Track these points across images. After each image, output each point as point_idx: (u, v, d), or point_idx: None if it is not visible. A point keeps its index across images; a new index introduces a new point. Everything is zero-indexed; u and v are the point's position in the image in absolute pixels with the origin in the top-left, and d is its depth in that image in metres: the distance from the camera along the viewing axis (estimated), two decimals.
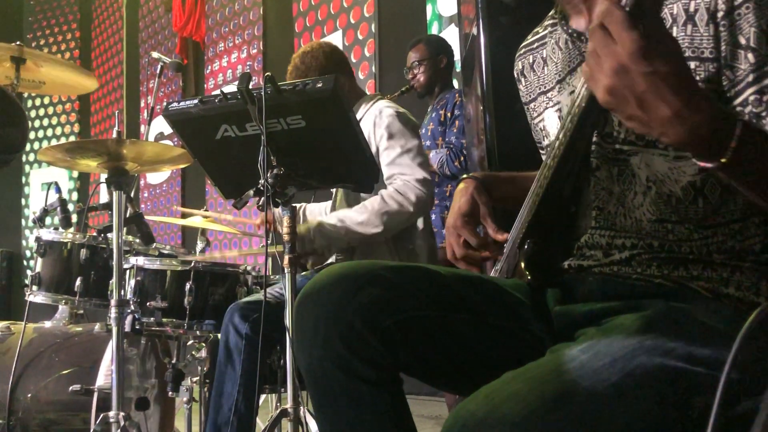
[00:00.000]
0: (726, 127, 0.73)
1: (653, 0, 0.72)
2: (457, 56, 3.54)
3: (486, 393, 0.75)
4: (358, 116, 2.25)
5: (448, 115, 3.12)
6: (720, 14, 0.86)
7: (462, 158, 2.98)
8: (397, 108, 2.25)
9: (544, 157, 1.19)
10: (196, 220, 2.72)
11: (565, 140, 0.91)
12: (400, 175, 2.11)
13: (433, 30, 4.32)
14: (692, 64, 0.87)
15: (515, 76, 1.25)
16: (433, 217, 3.10)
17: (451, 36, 3.90)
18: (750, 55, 0.84)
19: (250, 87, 1.51)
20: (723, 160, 0.73)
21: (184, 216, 2.79)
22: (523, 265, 1.03)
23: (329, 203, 2.29)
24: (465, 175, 1.19)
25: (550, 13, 1.16)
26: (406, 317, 0.97)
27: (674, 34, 0.90)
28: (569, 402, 0.72)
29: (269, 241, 1.68)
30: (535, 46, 1.19)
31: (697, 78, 0.87)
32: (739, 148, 0.73)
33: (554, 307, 1.02)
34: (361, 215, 2.07)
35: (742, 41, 0.84)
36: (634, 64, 0.69)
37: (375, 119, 2.21)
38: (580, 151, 0.94)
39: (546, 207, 0.96)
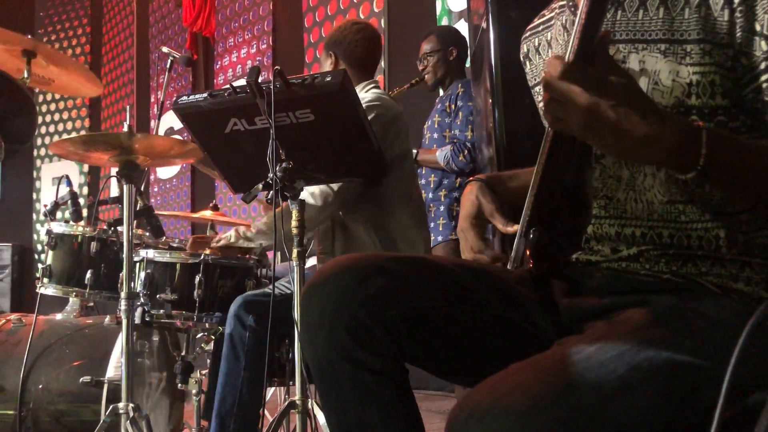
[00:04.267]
0: (693, 137, 0.79)
1: (600, 40, 0.79)
2: None
3: (492, 383, 0.75)
4: None
5: (452, 106, 3.11)
6: (737, 0, 0.87)
7: (466, 151, 2.97)
8: (381, 102, 2.20)
9: None
10: (206, 214, 2.74)
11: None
12: None
13: (443, 24, 4.31)
14: (707, 46, 0.89)
15: (521, 59, 1.25)
16: (441, 208, 3.10)
17: (461, 30, 3.89)
18: (763, 43, 0.85)
19: (259, 81, 1.51)
20: (699, 168, 0.79)
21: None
22: (528, 253, 1.02)
23: None
24: (470, 179, 1.20)
25: None
26: (410, 308, 0.97)
27: (686, 17, 0.91)
28: (575, 393, 0.72)
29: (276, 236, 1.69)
30: (540, 29, 1.19)
31: (712, 62, 0.89)
32: (710, 154, 0.79)
33: (561, 300, 1.02)
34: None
35: (757, 28, 0.85)
36: (601, 98, 0.76)
37: None
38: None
39: (546, 193, 0.96)
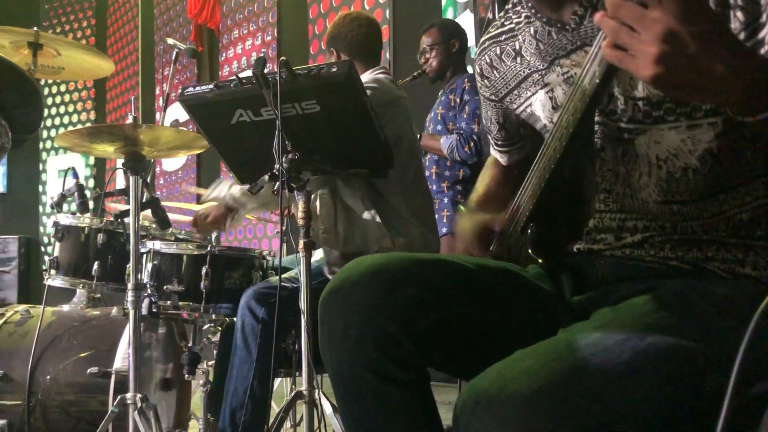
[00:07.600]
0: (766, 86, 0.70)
1: None
2: (471, 41, 3.52)
3: (498, 370, 0.76)
4: None
5: (458, 100, 3.10)
6: None
7: (472, 144, 2.97)
8: (378, 84, 2.16)
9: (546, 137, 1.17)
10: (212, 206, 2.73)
11: (573, 121, 0.88)
12: None
13: (448, 16, 4.30)
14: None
15: (479, 69, 1.21)
16: (446, 200, 3.10)
17: (466, 21, 3.88)
18: (740, 13, 0.81)
19: (265, 72, 1.51)
20: (761, 120, 0.70)
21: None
22: (530, 251, 1.02)
23: None
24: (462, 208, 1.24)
25: (510, 6, 1.13)
26: (440, 318, 0.94)
27: None
28: (580, 378, 0.72)
29: (284, 228, 1.69)
30: (502, 38, 1.16)
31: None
32: None
33: (572, 298, 1.02)
34: None
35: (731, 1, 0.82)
36: (684, 26, 0.66)
37: None
38: (585, 131, 0.93)
39: (550, 191, 0.96)
